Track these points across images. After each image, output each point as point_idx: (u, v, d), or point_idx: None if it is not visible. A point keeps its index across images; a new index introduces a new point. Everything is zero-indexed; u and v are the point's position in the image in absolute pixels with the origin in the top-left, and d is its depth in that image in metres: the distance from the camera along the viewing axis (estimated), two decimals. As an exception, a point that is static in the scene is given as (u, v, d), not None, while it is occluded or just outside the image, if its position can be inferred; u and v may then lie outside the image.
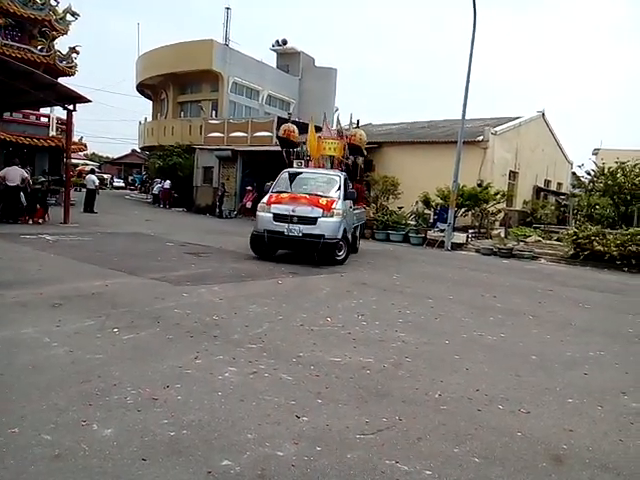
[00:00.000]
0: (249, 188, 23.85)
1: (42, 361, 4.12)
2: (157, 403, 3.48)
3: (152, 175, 35.58)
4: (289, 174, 11.78)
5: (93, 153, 62.26)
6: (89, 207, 20.37)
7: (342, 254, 11.02)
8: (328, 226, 10.50)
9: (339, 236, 10.69)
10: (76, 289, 6.77)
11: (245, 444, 3.02)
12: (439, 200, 18.01)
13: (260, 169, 22.59)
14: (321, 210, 10.52)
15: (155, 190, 32.00)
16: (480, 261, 14.11)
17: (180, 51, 32.68)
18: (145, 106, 46.62)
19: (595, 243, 13.56)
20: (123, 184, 54.01)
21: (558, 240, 16.96)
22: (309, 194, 10.89)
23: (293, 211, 10.51)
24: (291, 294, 7.63)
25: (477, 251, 15.76)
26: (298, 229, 10.47)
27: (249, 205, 23.08)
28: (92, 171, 24.70)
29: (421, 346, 5.32)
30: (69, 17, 21.37)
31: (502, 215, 19.96)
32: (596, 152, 38.43)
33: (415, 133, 23.94)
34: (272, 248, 11.11)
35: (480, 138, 19.80)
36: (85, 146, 26.91)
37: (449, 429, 3.43)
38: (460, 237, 16.42)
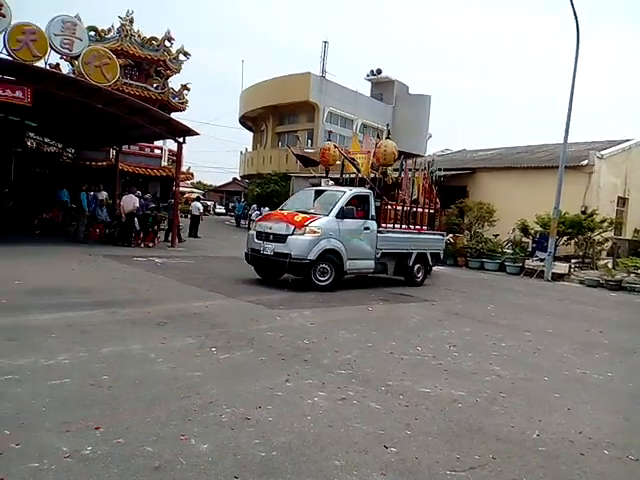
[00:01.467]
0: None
1: (147, 376, 4.44)
2: (249, 423, 3.62)
3: (250, 202, 37.31)
4: (302, 192, 11.53)
5: (199, 182, 66.60)
6: (194, 232, 21.72)
7: (325, 280, 9.77)
8: (296, 244, 9.44)
9: (310, 256, 9.45)
10: (179, 309, 7.25)
11: (333, 470, 3.05)
12: (538, 228, 17.16)
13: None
14: (292, 227, 9.59)
15: (253, 216, 33.46)
16: (584, 293, 13.17)
17: (280, 84, 34.39)
18: (246, 137, 49.28)
19: None
20: (224, 210, 57.02)
21: (677, 272, 15.38)
22: (299, 211, 10.14)
23: (270, 228, 9.89)
24: (381, 321, 7.61)
25: (581, 282, 14.74)
26: (271, 247, 9.74)
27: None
28: (197, 198, 26.47)
29: (517, 381, 5.07)
30: (182, 57, 23.28)
31: (609, 244, 18.53)
32: None
33: (512, 158, 23.10)
34: (260, 268, 10.52)
35: (585, 162, 18.67)
36: (192, 175, 28.91)
37: (548, 472, 3.24)
38: (562, 267, 15.47)
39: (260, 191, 31.55)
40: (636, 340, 7.55)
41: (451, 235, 18.14)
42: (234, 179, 59.07)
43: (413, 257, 11.51)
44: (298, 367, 4.96)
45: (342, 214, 9.95)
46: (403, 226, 11.50)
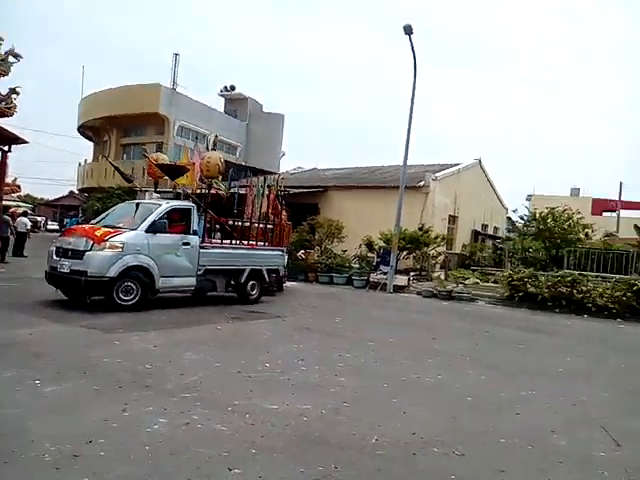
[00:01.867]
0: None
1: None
2: (78, 460, 3.26)
3: (89, 217, 34.51)
4: (123, 205, 11.06)
5: (27, 194, 59.72)
6: (19, 251, 19.40)
7: (130, 299, 8.98)
8: (93, 261, 8.62)
9: (110, 274, 8.65)
10: (-2, 338, 6.34)
11: (170, 501, 2.86)
12: (382, 243, 18.37)
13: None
14: (91, 242, 8.77)
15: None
16: (421, 303, 14.37)
17: (126, 94, 32.52)
18: (86, 148, 45.50)
19: (528, 285, 14.14)
20: (58, 227, 51.84)
21: (495, 282, 17.58)
22: (107, 225, 9.49)
23: (69, 244, 9.09)
24: (230, 340, 7.47)
25: (418, 293, 16.07)
26: (67, 264, 8.85)
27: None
28: (24, 213, 23.64)
29: (360, 390, 5.29)
30: (11, 59, 20.85)
31: (442, 258, 20.56)
32: (529, 198, 40.83)
33: (359, 178, 24.58)
34: (61, 287, 9.42)
35: (421, 183, 20.56)
36: (19, 187, 25.87)
37: (384, 474, 3.40)
38: (402, 280, 16.72)
39: (100, 206, 29.25)
40: (463, 344, 8.38)
41: (303, 251, 18.62)
42: (71, 192, 54.14)
43: (246, 274, 11.06)
44: (137, 394, 4.62)
45: (153, 228, 9.28)
46: (235, 242, 11.15)
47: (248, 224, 11.83)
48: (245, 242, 11.44)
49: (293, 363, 6.20)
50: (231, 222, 11.62)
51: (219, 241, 11.15)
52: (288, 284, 15.12)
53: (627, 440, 4.29)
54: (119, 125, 35.07)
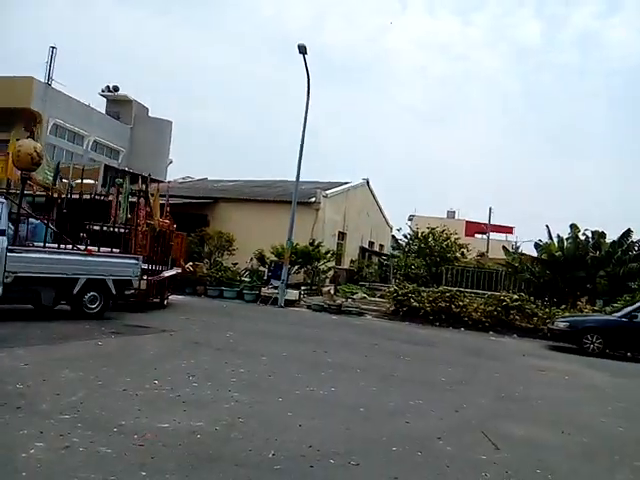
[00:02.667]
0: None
1: None
2: None
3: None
4: None
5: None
6: None
7: None
8: None
9: None
10: None
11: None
12: (273, 257, 18.38)
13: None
14: None
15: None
16: (312, 317, 14.56)
17: (-7, 86, 29.43)
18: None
19: (412, 300, 14.97)
20: None
21: (381, 297, 18.37)
22: None
23: None
24: (113, 356, 6.95)
25: (309, 307, 16.27)
26: None
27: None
28: None
29: (255, 405, 5.19)
30: None
31: (332, 273, 21.07)
32: (411, 218, 43.48)
33: (251, 191, 24.45)
34: None
35: (313, 199, 20.96)
36: None
37: (283, 490, 3.34)
38: (293, 294, 16.83)
39: None
40: (353, 357, 8.60)
41: (191, 263, 18.02)
42: None
43: (80, 284, 9.60)
44: (9, 417, 4.13)
45: None
46: (65, 246, 9.76)
47: (118, 230, 11.12)
48: (83, 247, 10.04)
49: (183, 379, 5.92)
50: (96, 227, 10.81)
51: (41, 244, 9.49)
52: (174, 298, 14.50)
53: (505, 443, 4.66)
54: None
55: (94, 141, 34.32)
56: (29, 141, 9.70)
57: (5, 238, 8.67)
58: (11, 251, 8.72)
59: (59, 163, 11.80)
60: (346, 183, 25.54)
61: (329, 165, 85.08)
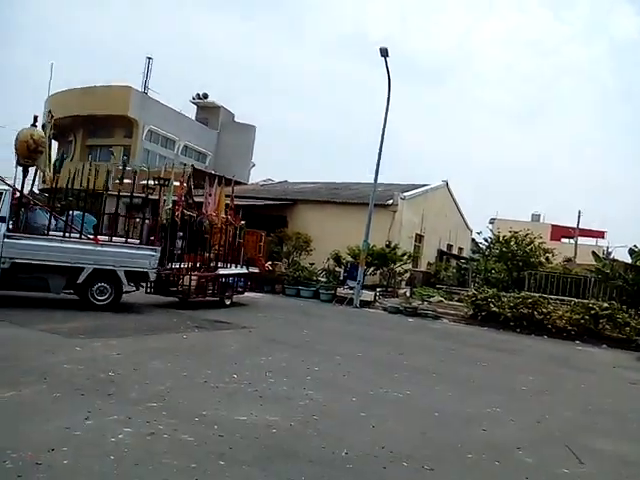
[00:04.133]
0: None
1: None
2: (40, 468, 3.12)
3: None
4: None
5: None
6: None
7: None
8: None
9: None
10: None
11: (137, 513, 2.76)
12: (349, 258, 18.45)
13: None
14: None
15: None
16: (387, 319, 14.45)
17: (95, 94, 31.87)
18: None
19: (491, 305, 14.43)
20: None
21: (459, 301, 17.86)
22: None
23: None
24: (196, 349, 7.31)
25: (384, 309, 16.16)
26: None
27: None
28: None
29: (329, 403, 5.25)
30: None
31: (408, 275, 20.80)
32: (492, 221, 41.93)
33: (329, 193, 24.71)
34: None
35: (390, 202, 20.81)
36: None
37: (355, 489, 3.37)
38: (368, 295, 16.80)
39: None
40: (429, 360, 8.46)
41: (270, 262, 18.52)
42: (31, 192, 52.44)
43: (85, 273, 9.48)
44: (100, 402, 4.46)
45: None
46: (71, 235, 9.61)
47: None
48: (92, 236, 9.85)
49: (261, 375, 6.11)
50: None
51: (54, 231, 9.55)
52: (253, 295, 14.98)
53: (589, 458, 4.39)
54: (85, 125, 34.27)
55: (184, 145, 36.28)
56: (28, 128, 9.32)
57: (4, 224, 8.81)
58: (9, 237, 8.80)
59: (63, 153, 11.73)
60: (425, 185, 25.13)
61: (410, 169, 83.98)
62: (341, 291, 17.11)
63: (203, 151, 38.08)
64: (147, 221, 11.13)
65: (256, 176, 37.37)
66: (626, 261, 17.76)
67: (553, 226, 46.61)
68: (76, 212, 10.14)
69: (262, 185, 31.12)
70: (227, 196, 13.49)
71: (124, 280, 9.97)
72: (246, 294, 14.27)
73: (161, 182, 11.40)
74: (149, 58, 34.46)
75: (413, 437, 4.51)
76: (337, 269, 19.11)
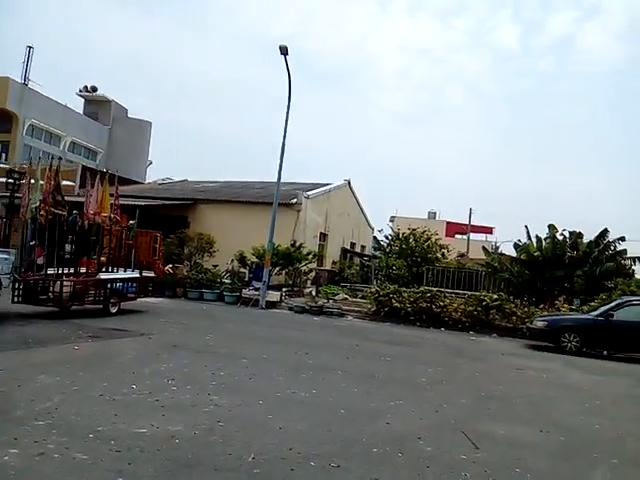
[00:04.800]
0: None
1: None
2: None
3: None
4: None
5: None
6: None
7: None
8: None
9: None
10: None
11: None
12: (255, 259, 18.27)
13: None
14: None
15: None
16: (293, 319, 14.51)
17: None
18: None
19: (393, 300, 15.02)
20: None
21: (363, 298, 18.39)
22: None
23: None
24: (90, 360, 6.83)
25: (290, 309, 16.21)
26: None
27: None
28: None
29: (234, 408, 5.13)
30: None
31: (313, 274, 21.03)
32: (393, 219, 43.73)
33: (231, 192, 24.31)
34: None
35: (294, 201, 20.90)
36: None
37: (262, 495, 3.30)
38: (274, 295, 16.75)
39: None
40: (335, 358, 8.59)
41: (170, 265, 17.82)
42: None
43: None
44: (-21, 424, 4.00)
45: None
46: None
47: None
48: None
49: (162, 383, 5.84)
50: None
51: None
52: (153, 300, 14.31)
53: (484, 443, 4.68)
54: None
55: (71, 142, 33.87)
56: None
57: None
58: None
59: None
60: (327, 184, 25.56)
61: (311, 170, 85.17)
62: (246, 292, 16.90)
63: (93, 148, 35.85)
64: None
65: (155, 175, 35.94)
66: (512, 255, 19.32)
67: (448, 223, 49.59)
68: None
69: (160, 184, 29.88)
70: (111, 195, 12.26)
71: None
72: (146, 299, 13.53)
73: (15, 177, 10.34)
74: (29, 47, 31.85)
75: (320, 436, 4.53)
76: (242, 270, 18.86)
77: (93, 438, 3.96)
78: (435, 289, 15.96)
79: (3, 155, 29.51)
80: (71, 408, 4.65)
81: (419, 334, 13.05)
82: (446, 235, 41.25)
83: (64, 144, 33.39)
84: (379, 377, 7.38)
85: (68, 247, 11.29)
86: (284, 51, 16.61)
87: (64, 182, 10.82)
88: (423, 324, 14.45)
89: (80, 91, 36.91)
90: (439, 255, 21.38)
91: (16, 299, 10.28)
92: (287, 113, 17.52)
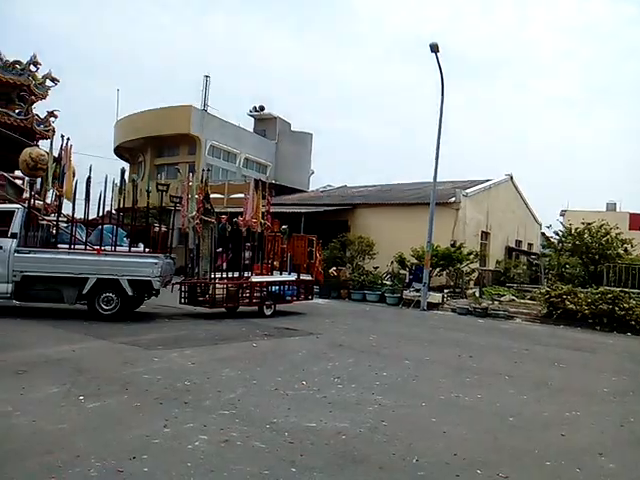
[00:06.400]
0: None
1: (2, 432, 3.91)
2: (122, 475, 3.31)
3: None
4: None
5: (67, 214, 61.63)
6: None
7: None
8: None
9: None
10: (42, 355, 6.55)
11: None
12: (414, 260, 18.21)
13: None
14: None
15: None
16: (456, 321, 14.12)
17: (159, 116, 33.51)
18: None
19: (567, 302, 13.76)
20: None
21: (531, 299, 17.18)
22: None
23: None
24: (266, 357, 7.47)
25: (453, 311, 15.81)
26: None
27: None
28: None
29: (398, 409, 5.22)
30: (49, 82, 21.76)
31: (476, 274, 20.23)
32: (563, 213, 39.93)
33: (389, 195, 24.55)
34: None
35: (452, 200, 20.38)
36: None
37: (427, 497, 3.33)
38: (436, 297, 16.49)
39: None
40: (501, 362, 8.19)
41: (334, 268, 18.63)
42: (109, 212, 55.68)
43: (90, 284, 9.69)
44: (178, 411, 4.67)
45: None
46: (74, 246, 9.90)
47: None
48: (91, 247, 10.07)
49: (329, 381, 6.17)
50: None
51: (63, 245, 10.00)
52: (320, 301, 15.10)
53: (681, 464, 4.11)
54: (153, 146, 36.05)
55: (245, 158, 37.37)
56: (28, 148, 10.26)
57: (15, 240, 9.50)
58: (18, 252, 9.46)
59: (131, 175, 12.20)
60: (487, 181, 24.40)
61: (469, 166, 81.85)
62: (407, 294, 16.91)
63: (263, 162, 38.99)
64: (161, 229, 11.42)
65: (318, 182, 37.83)
66: None
67: (631, 214, 43.72)
68: (106, 226, 10.75)
69: (322, 191, 31.39)
70: (263, 197, 12.81)
71: (128, 289, 9.92)
72: (315, 301, 14.28)
73: (176, 201, 11.82)
74: (207, 76, 35.79)
75: (486, 443, 4.39)
76: (402, 272, 18.92)
77: (269, 429, 4.37)
78: (618, 289, 14.22)
79: (191, 174, 33.61)
80: (251, 400, 5.16)
81: (599, 339, 11.76)
82: (630, 228, 36.39)
83: (239, 161, 36.97)
84: (552, 385, 6.84)
85: (247, 254, 12.50)
86: (435, 49, 16.28)
87: (213, 195, 12.07)
88: (604, 328, 12.98)
89: (250, 111, 40.60)
90: (621, 251, 18.97)
91: (183, 300, 11.70)
92: (440, 111, 17.10)
